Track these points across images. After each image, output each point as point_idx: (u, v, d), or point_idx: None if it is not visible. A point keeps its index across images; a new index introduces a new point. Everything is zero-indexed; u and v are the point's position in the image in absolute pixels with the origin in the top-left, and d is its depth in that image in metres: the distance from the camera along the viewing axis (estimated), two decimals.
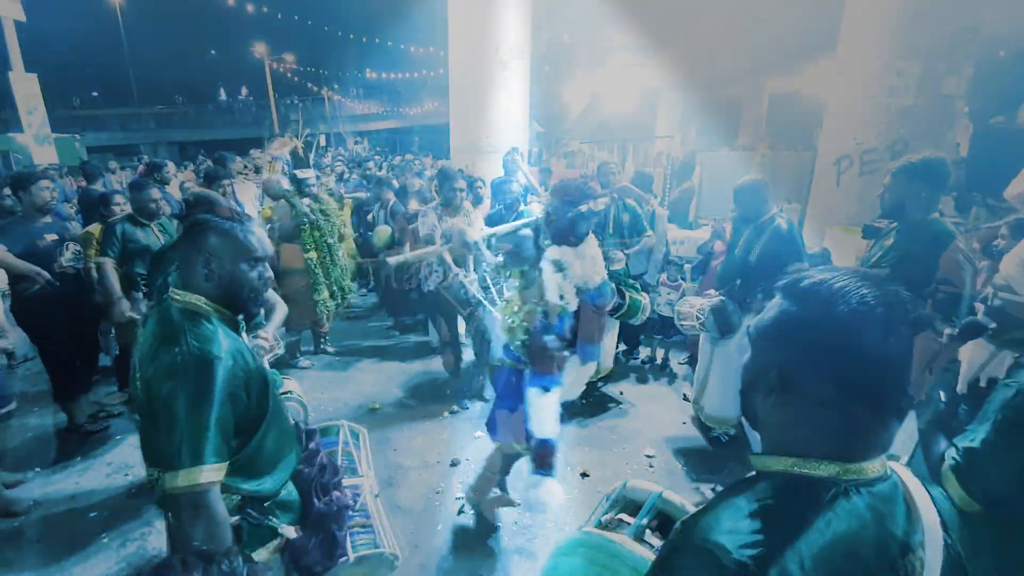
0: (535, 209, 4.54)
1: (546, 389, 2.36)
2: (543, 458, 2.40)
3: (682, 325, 3.56)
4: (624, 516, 1.45)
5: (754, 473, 0.78)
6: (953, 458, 1.25)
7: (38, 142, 12.75)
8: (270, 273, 1.45)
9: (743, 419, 0.84)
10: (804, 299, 0.73)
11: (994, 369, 1.34)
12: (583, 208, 2.29)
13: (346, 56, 29.37)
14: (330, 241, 4.39)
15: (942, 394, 1.58)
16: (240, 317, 1.47)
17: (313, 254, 4.33)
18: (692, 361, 4.68)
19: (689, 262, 4.55)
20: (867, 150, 5.44)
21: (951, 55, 5.16)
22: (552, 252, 2.33)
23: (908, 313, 0.69)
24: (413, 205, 4.90)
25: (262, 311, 1.69)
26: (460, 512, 2.90)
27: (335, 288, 4.52)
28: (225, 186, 4.63)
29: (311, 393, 4.12)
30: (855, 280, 0.71)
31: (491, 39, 7.27)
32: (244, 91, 36.40)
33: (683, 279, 4.50)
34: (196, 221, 1.35)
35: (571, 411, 3.68)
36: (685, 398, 4.13)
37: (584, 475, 3.23)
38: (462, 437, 3.63)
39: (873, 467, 0.72)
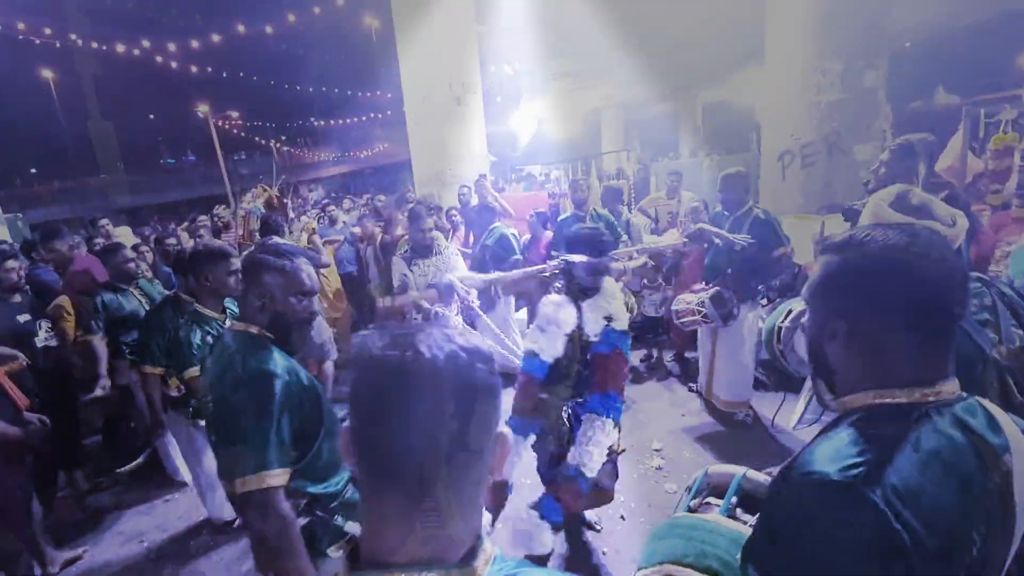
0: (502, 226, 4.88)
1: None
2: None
3: (682, 322, 3.68)
4: (712, 500, 1.42)
5: (836, 417, 0.84)
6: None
7: None
8: (315, 307, 1.60)
9: (813, 375, 0.92)
10: (859, 249, 0.81)
11: None
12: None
13: (292, 107, 29.46)
14: None
15: None
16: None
17: None
18: (679, 358, 4.90)
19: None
20: (805, 144, 5.90)
21: (866, 51, 5.70)
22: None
23: (946, 247, 0.78)
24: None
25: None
26: None
27: None
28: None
29: None
30: (892, 231, 0.80)
31: (443, 76, 7.55)
32: (189, 152, 35.95)
33: (662, 280, 4.72)
34: (253, 260, 1.50)
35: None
36: (691, 389, 4.34)
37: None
38: None
39: (948, 388, 0.78)
